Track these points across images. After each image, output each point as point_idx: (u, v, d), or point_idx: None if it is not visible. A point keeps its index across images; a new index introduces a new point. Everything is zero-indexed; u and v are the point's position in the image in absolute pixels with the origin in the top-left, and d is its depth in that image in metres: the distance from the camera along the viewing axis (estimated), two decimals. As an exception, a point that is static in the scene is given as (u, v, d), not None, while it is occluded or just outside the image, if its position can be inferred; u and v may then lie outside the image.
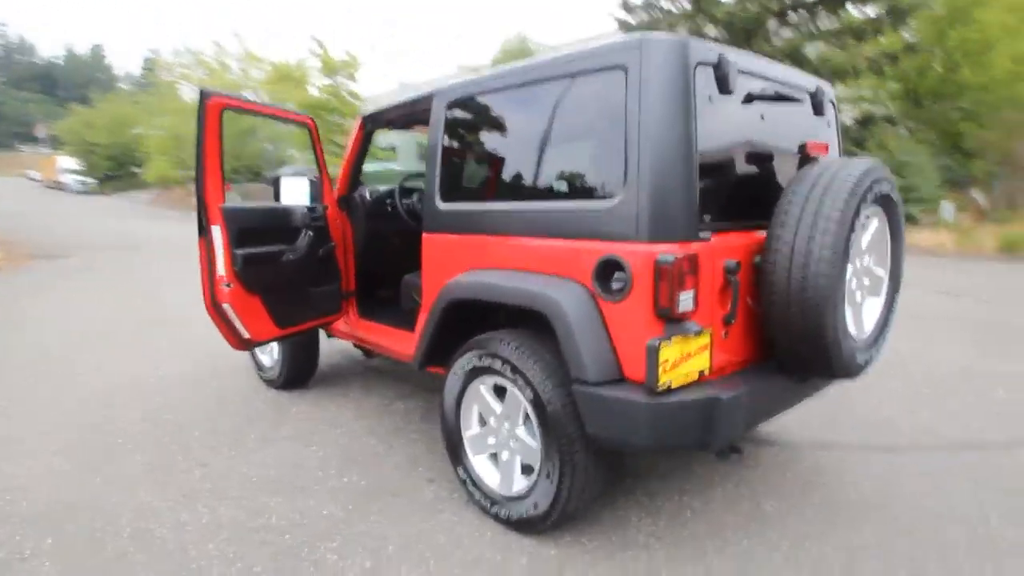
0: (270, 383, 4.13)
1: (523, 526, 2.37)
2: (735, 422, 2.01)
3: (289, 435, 3.40)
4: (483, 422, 2.60)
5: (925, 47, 15.62)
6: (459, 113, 2.69)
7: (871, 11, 15.27)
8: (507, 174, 2.51)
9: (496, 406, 2.48)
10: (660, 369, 1.91)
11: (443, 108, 2.73)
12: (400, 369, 4.54)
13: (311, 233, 3.32)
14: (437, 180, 2.74)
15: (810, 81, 2.61)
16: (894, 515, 2.57)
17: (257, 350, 4.26)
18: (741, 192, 2.28)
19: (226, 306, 2.97)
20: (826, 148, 2.43)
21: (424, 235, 2.82)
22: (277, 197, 3.43)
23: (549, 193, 2.32)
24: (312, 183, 3.37)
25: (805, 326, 2.04)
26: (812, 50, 15.49)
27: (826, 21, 15.84)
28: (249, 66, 26.16)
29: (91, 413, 3.76)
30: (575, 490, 2.21)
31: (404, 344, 3.09)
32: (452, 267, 2.64)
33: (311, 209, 3.35)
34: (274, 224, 3.24)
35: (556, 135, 2.31)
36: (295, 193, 3.38)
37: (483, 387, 2.50)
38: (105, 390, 4.18)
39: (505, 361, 2.32)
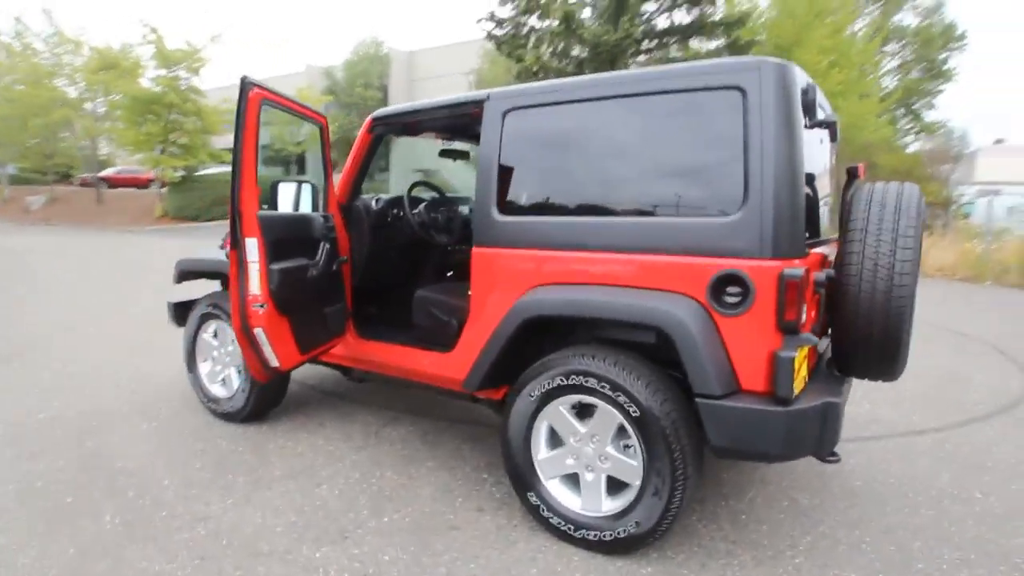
0: (228, 416, 3.61)
1: (619, 546, 2.32)
2: (841, 424, 2.15)
3: (285, 474, 3.01)
4: (552, 445, 2.50)
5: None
6: (523, 121, 2.57)
7: (714, 45, 17.10)
8: (590, 187, 2.44)
9: (579, 426, 2.41)
10: (795, 379, 1.98)
11: (500, 114, 2.60)
12: (365, 393, 4.21)
13: (327, 245, 2.97)
14: (494, 192, 2.60)
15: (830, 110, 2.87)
16: (906, 495, 2.89)
17: (207, 377, 3.72)
18: (811, 210, 2.45)
19: (259, 331, 2.55)
20: (865, 170, 2.69)
21: (475, 250, 2.65)
22: (274, 205, 3.02)
23: (647, 208, 2.30)
24: (315, 189, 3.02)
25: (886, 333, 2.22)
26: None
27: (676, 51, 17.47)
28: (63, 50, 22.67)
29: (6, 469, 3.02)
30: (683, 505, 2.21)
31: (435, 365, 2.88)
32: (516, 283, 2.52)
33: (326, 219, 3.01)
34: (298, 235, 2.89)
35: (655, 150, 2.31)
36: (296, 201, 3.00)
37: (563, 407, 2.41)
38: (11, 437, 3.38)
39: (602, 379, 2.26)
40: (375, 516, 2.64)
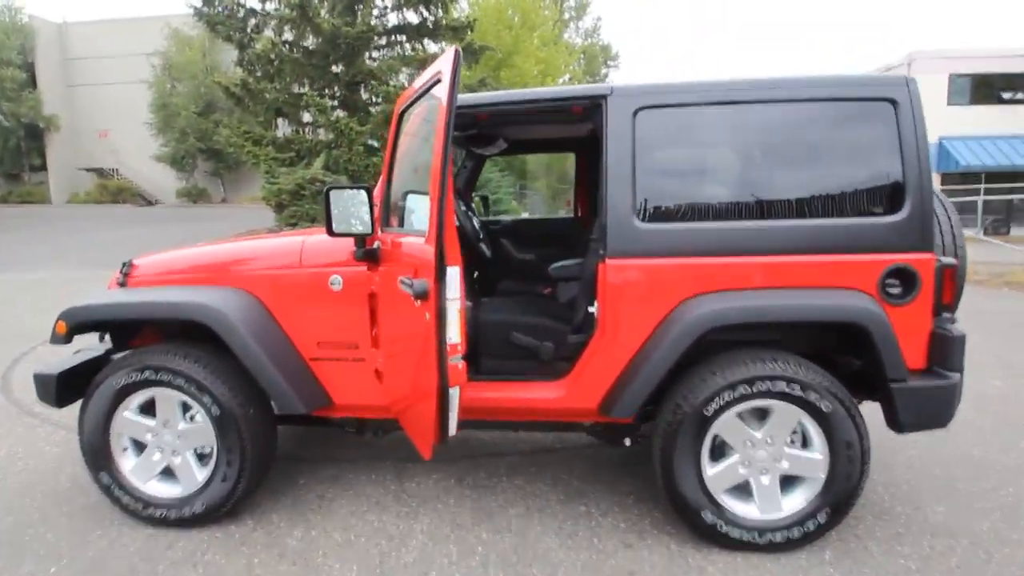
0: (183, 521, 2.57)
1: (788, 547, 2.39)
2: None
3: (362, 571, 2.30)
4: (716, 458, 2.44)
5: (491, 82, 19.07)
6: (661, 121, 2.39)
7: (446, 46, 17.65)
8: (744, 191, 2.40)
9: (754, 432, 2.38)
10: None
11: (630, 113, 2.37)
12: (318, 446, 3.41)
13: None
14: (631, 198, 2.37)
15: None
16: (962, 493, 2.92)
17: (136, 473, 2.63)
18: None
19: (455, 391, 1.84)
20: None
21: (611, 263, 2.38)
22: (329, 220, 2.24)
23: (807, 210, 2.36)
24: (371, 197, 2.32)
25: None
26: (405, 74, 16.93)
27: (410, 50, 17.54)
28: None
29: None
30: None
31: (556, 396, 2.51)
32: (667, 295, 2.37)
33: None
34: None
35: (810, 154, 2.38)
36: (351, 213, 2.27)
37: (736, 416, 2.36)
38: None
39: (792, 380, 2.28)
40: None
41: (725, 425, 2.37)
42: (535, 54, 19.83)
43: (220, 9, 16.17)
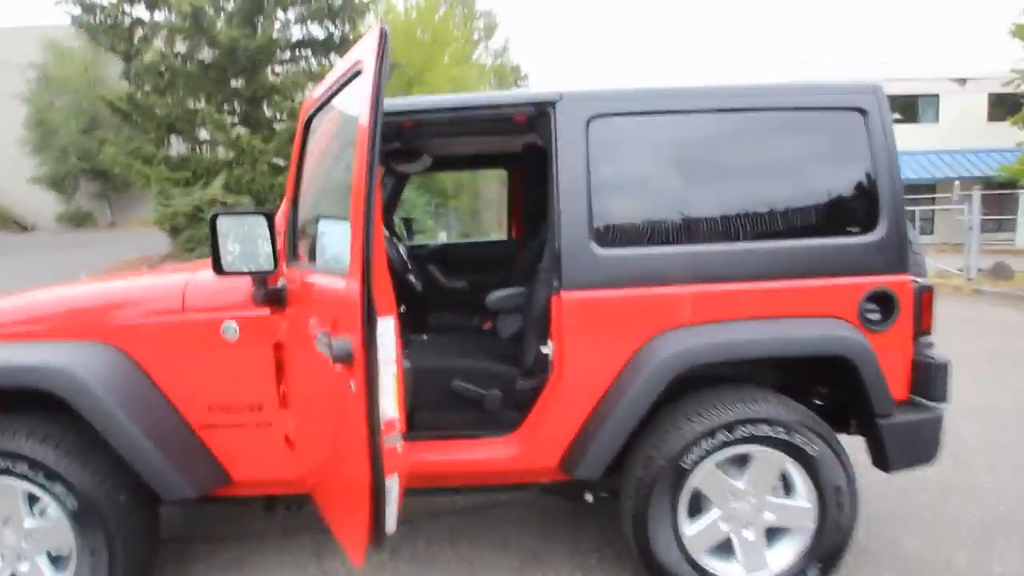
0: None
1: None
2: None
3: None
4: (695, 512, 2.14)
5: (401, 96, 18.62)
6: (617, 131, 2.08)
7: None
8: (709, 210, 2.12)
9: (734, 482, 2.10)
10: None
11: (582, 122, 2.05)
12: (214, 524, 2.85)
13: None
14: (586, 219, 2.04)
15: None
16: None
17: None
18: None
19: (392, 481, 1.37)
20: None
21: (566, 296, 2.04)
22: (216, 254, 1.75)
23: (779, 231, 2.12)
24: (271, 224, 1.85)
25: None
26: (311, 89, 16.18)
27: (316, 65, 16.78)
28: None
29: None
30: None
31: (508, 454, 2.13)
32: (633, 331, 2.06)
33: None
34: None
35: (772, 167, 2.15)
36: (247, 245, 1.79)
37: (716, 466, 2.07)
38: None
39: (776, 422, 2.02)
40: None
41: (704, 477, 2.08)
42: (447, 71, 19.54)
43: (103, 18, 14.80)
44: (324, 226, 1.83)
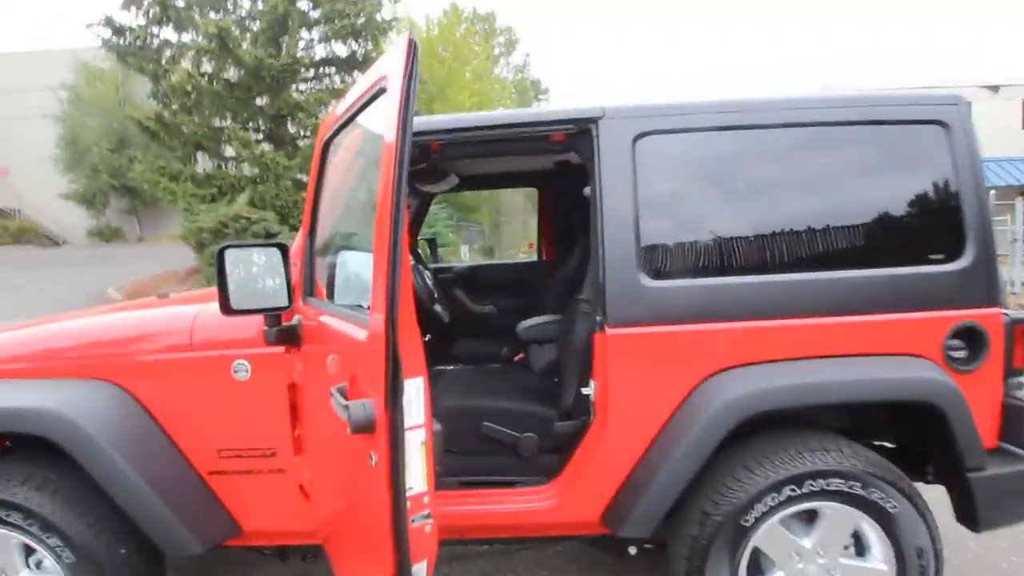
0: None
1: None
2: None
3: None
4: (755, 573, 1.89)
5: (424, 113, 18.64)
6: (664, 150, 1.88)
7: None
8: (777, 237, 1.89)
9: (801, 540, 1.86)
10: (1043, 426, 1.87)
11: (629, 140, 1.86)
12: (224, 568, 2.66)
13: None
14: (635, 248, 1.84)
15: None
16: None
17: None
18: None
19: (421, 568, 1.18)
20: None
21: (612, 333, 1.83)
22: (224, 292, 1.58)
23: (855, 259, 1.89)
24: (286, 257, 1.68)
25: None
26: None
27: (340, 83, 16.89)
28: None
29: None
30: None
31: (546, 506, 1.91)
32: (687, 370, 1.84)
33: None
34: None
35: (843, 189, 1.92)
36: (258, 280, 1.62)
37: (781, 523, 1.84)
38: None
39: (851, 476, 1.78)
40: None
41: (766, 535, 1.84)
42: (468, 87, 19.55)
43: (132, 40, 15.08)
44: (344, 258, 1.65)
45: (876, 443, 2.12)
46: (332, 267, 1.77)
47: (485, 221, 20.92)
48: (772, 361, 1.84)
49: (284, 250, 1.70)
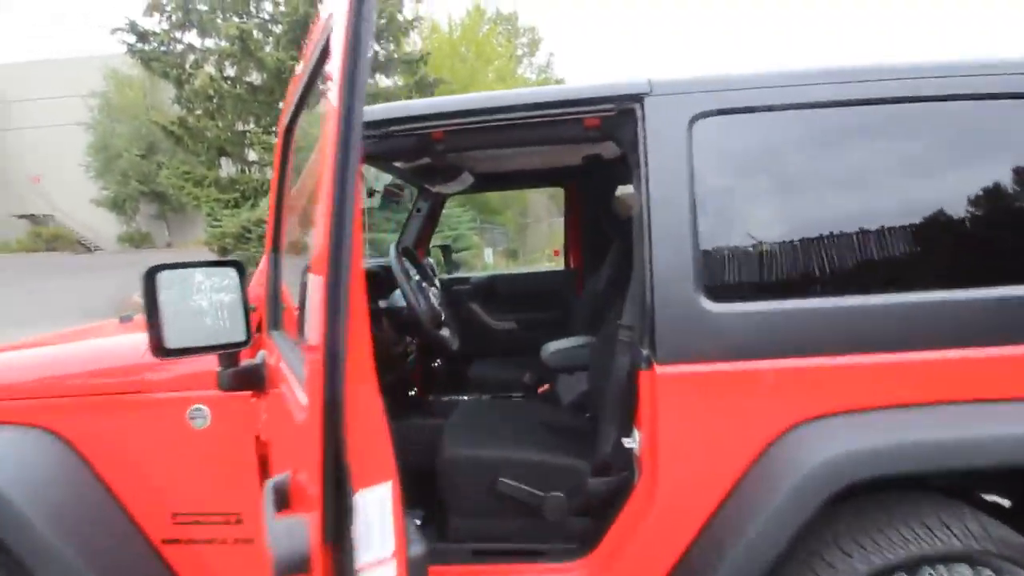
0: None
1: None
2: None
3: None
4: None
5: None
6: (730, 134, 1.46)
7: (400, 81, 16.88)
8: (883, 246, 1.45)
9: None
10: None
11: (685, 122, 1.44)
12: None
13: None
14: (691, 263, 1.42)
15: None
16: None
17: None
18: None
19: None
20: None
21: (663, 371, 1.42)
22: (157, 329, 1.21)
23: (991, 272, 1.45)
24: (242, 276, 1.31)
25: None
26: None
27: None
28: None
29: None
30: None
31: None
32: (767, 419, 1.42)
33: None
34: None
35: (963, 183, 1.47)
36: (204, 310, 1.25)
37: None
38: None
39: (978, 561, 1.36)
40: None
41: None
42: (492, 86, 19.21)
43: (155, 45, 15.10)
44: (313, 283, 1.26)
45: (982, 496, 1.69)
46: (302, 291, 1.39)
47: (510, 224, 20.51)
48: (877, 408, 1.41)
49: (241, 269, 1.32)
